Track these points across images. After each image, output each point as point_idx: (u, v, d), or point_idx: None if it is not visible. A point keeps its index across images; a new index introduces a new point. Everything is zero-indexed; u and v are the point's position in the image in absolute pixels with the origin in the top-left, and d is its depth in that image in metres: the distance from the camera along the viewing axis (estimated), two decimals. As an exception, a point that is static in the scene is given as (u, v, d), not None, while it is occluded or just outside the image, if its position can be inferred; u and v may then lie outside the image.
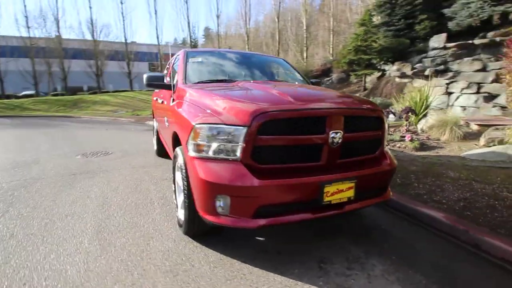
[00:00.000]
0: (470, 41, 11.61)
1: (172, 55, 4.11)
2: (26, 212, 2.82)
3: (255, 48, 28.82)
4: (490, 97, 9.16)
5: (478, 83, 9.74)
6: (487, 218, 2.38)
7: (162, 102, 3.37)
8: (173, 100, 2.57)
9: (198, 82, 2.71)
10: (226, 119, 1.76)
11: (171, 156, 3.04)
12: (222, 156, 1.78)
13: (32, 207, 2.96)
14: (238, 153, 1.74)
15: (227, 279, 1.80)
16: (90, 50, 28.26)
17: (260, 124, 1.70)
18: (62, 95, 25.93)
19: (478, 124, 4.82)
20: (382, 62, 15.62)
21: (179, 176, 2.47)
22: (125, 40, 29.58)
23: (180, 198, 2.47)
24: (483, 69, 9.90)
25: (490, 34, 13.49)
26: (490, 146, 4.11)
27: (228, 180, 1.71)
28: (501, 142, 4.08)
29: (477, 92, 9.64)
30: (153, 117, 5.67)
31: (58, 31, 28.15)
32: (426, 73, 11.70)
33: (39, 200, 3.13)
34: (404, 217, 2.68)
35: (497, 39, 10.76)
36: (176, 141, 2.53)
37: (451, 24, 14.23)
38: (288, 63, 3.71)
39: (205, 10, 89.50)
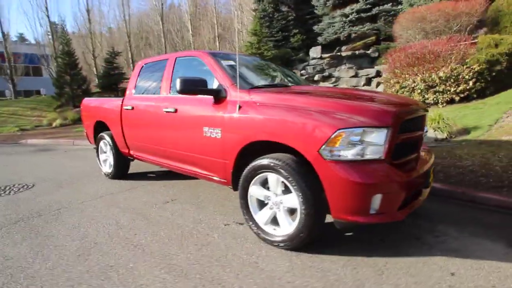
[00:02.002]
0: (338, 53, 14.68)
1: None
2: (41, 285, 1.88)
3: (138, 50, 26.21)
4: (365, 97, 11.97)
5: (354, 87, 12.52)
6: (465, 181, 3.33)
7: (175, 111, 2.87)
8: (240, 107, 2.30)
9: (255, 87, 2.52)
10: (368, 122, 1.82)
11: (215, 171, 2.67)
12: (365, 157, 1.83)
13: (32, 276, 1.98)
14: (382, 153, 1.84)
15: (386, 276, 1.87)
16: None
17: (399, 123, 1.87)
18: None
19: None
20: (273, 68, 17.38)
21: (259, 190, 2.27)
22: None
23: (265, 212, 2.29)
24: (356, 75, 12.78)
25: (343, 48, 17.37)
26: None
27: (385, 179, 1.80)
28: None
29: (355, 93, 12.38)
30: (89, 136, 4.59)
31: None
32: (316, 78, 14.02)
33: (27, 265, 2.12)
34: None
35: (357, 52, 14.12)
36: (246, 152, 2.32)
37: (320, 39, 17.48)
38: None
39: (71, 2, 70.36)
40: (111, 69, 16.54)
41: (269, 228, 2.26)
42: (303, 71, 15.81)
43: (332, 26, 16.30)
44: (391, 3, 14.23)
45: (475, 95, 6.79)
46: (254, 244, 2.31)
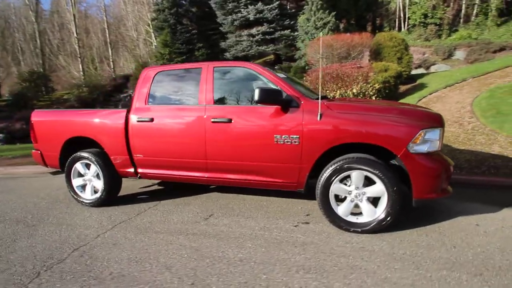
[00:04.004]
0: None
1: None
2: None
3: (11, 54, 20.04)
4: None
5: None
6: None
7: (230, 121, 2.86)
8: (321, 115, 2.58)
9: (322, 98, 2.83)
10: (431, 124, 2.50)
11: (286, 176, 2.80)
12: (431, 149, 2.50)
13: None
14: (438, 146, 2.55)
15: (450, 236, 2.55)
16: None
17: (444, 124, 2.64)
18: None
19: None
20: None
21: (340, 187, 2.62)
22: None
23: (346, 205, 2.64)
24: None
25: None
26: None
27: (446, 164, 2.51)
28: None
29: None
30: (47, 158, 3.73)
31: None
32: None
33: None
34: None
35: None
36: (324, 155, 2.65)
37: (228, 55, 18.48)
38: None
39: None
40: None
41: (352, 218, 2.63)
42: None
43: (240, 44, 17.55)
44: (289, 30, 16.59)
45: (376, 107, 8.95)
46: (339, 235, 2.61)
